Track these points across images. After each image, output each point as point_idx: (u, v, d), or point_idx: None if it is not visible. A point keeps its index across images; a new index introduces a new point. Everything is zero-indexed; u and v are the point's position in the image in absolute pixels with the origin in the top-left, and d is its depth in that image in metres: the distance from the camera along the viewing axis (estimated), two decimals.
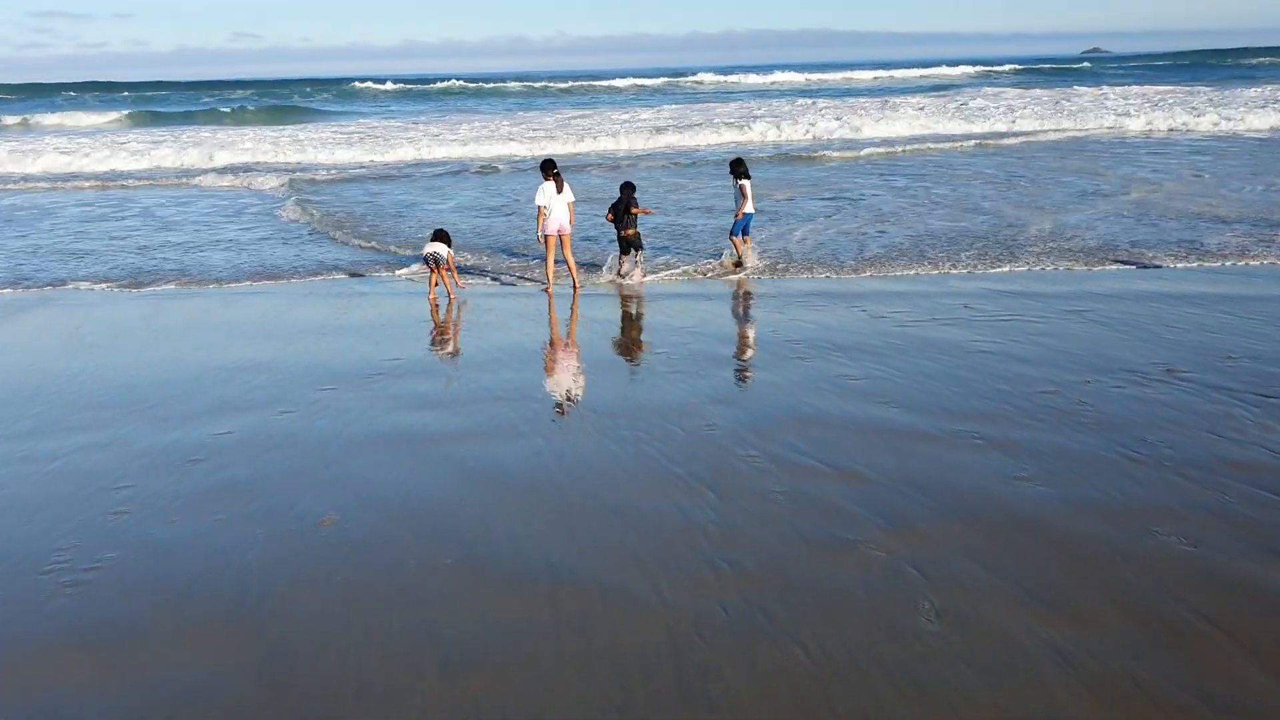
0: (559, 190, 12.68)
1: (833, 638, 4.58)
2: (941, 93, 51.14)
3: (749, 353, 9.67)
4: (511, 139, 32.89)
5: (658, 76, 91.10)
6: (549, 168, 12.84)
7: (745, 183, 13.70)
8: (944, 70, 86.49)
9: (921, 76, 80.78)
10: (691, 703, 4.18)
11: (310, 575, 5.44)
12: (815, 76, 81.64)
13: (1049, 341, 9.56)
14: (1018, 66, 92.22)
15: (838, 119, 35.10)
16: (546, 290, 12.77)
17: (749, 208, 13.72)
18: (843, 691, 4.23)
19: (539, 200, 12.75)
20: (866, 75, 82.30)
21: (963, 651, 4.45)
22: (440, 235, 12.68)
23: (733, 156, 14.72)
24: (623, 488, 6.41)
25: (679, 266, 13.92)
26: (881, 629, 4.65)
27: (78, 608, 5.19)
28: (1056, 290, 11.73)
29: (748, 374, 8.90)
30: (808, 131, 33.08)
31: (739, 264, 13.75)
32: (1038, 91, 47.64)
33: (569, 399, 8.46)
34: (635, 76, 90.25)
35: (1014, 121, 33.73)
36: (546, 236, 12.80)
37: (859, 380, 8.54)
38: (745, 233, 13.92)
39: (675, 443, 7.16)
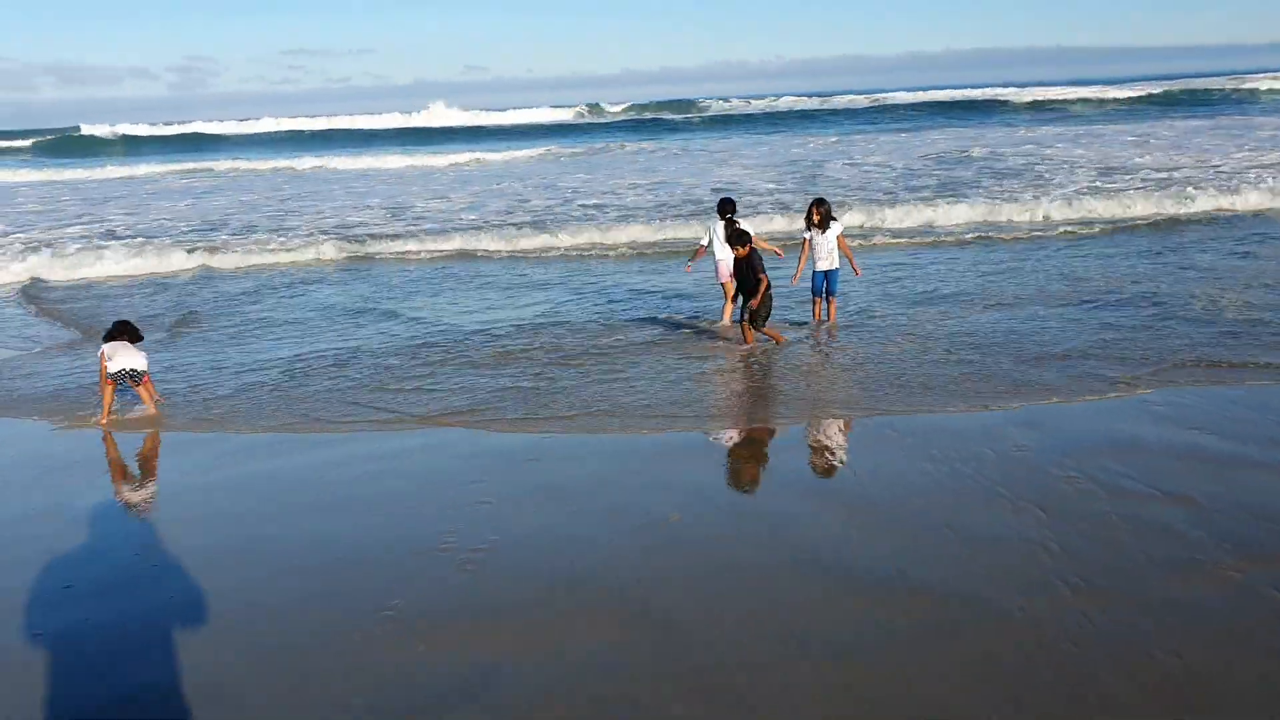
0: (727, 235, 11.61)
1: (1205, 650, 4.73)
2: None
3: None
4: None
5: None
6: (724, 209, 12.18)
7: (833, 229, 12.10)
8: None
9: None
10: (1078, 703, 4.43)
11: (674, 566, 6.00)
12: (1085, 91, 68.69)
13: None
14: None
15: None
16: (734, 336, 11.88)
17: (825, 263, 12.10)
18: (1225, 701, 4.37)
19: (703, 239, 12.75)
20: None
21: None
22: (123, 332, 10.13)
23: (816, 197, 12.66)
24: (949, 505, 6.68)
25: None
26: (1254, 645, 4.75)
27: (478, 585, 5.93)
28: None
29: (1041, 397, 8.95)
30: None
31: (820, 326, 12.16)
32: None
33: (861, 415, 8.77)
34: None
35: None
36: (723, 283, 12.48)
37: (1160, 406, 8.47)
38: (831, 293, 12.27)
39: (988, 463, 7.36)
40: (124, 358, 9.89)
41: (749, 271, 11.17)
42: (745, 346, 11.21)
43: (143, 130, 74.09)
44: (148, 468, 8.71)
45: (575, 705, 4.66)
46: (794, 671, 4.82)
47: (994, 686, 4.58)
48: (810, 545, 6.19)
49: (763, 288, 10.98)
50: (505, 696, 4.76)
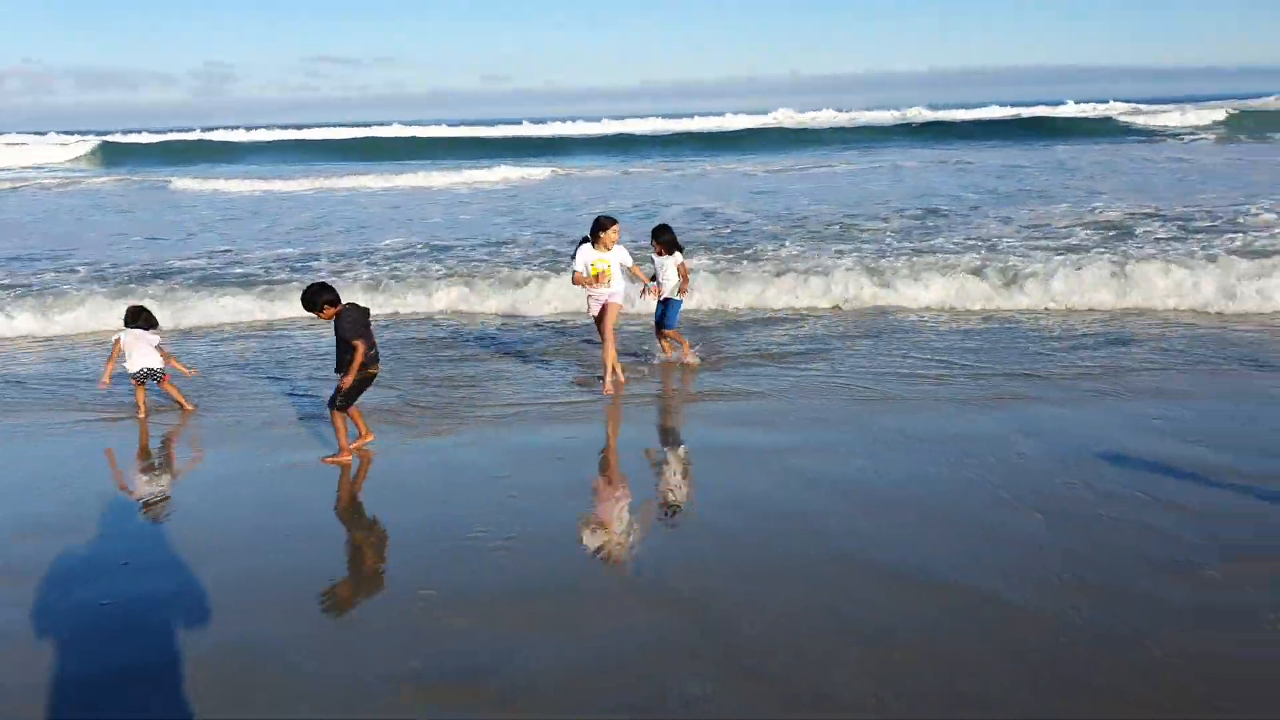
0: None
1: (1192, 645, 5.14)
2: None
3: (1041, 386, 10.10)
4: None
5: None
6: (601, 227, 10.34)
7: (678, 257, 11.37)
8: None
9: None
10: (1072, 687, 4.85)
11: (703, 555, 6.41)
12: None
13: None
14: None
15: None
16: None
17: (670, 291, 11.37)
18: (1212, 689, 4.79)
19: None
20: None
21: None
22: (139, 316, 10.07)
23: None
24: (953, 505, 7.08)
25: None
26: (1232, 639, 5.17)
27: (514, 567, 6.33)
28: None
29: (1045, 408, 9.35)
30: None
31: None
32: None
33: (876, 425, 9.16)
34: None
35: None
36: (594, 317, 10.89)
37: (1158, 420, 8.87)
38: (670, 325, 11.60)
39: (991, 468, 7.76)
40: (141, 356, 10.04)
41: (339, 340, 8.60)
42: (343, 457, 8.62)
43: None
44: (190, 459, 9.14)
45: (598, 678, 5.04)
46: (820, 652, 5.18)
47: (1005, 671, 4.97)
48: (832, 538, 6.60)
49: (357, 360, 8.49)
50: (533, 668, 5.15)
